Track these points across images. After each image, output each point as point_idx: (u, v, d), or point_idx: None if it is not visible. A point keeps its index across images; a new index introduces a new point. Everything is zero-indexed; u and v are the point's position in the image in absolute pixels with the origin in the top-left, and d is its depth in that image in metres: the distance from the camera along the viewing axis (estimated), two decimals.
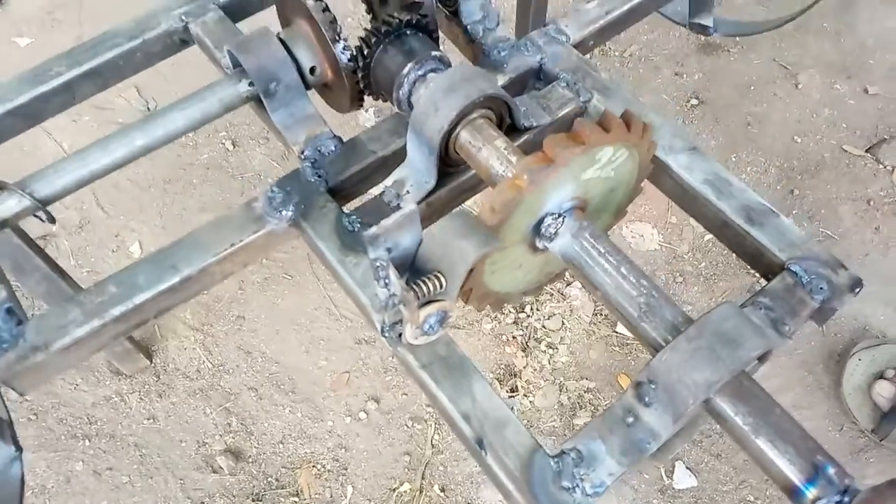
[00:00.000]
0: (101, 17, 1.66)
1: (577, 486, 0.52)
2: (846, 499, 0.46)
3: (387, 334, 0.59)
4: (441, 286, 0.53)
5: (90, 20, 1.66)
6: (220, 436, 1.19)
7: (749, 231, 0.65)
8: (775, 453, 0.48)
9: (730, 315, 0.50)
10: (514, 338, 1.26)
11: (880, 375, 1.12)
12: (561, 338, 1.25)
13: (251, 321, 1.29)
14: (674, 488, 1.11)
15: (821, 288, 0.61)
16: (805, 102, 1.49)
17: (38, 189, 0.65)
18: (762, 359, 0.53)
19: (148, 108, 1.52)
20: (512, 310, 1.28)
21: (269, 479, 1.15)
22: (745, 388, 0.49)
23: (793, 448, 0.48)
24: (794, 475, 0.47)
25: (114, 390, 1.22)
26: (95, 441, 1.18)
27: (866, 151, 1.42)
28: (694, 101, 1.49)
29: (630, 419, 0.53)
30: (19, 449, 0.76)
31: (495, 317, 1.28)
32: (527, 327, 1.26)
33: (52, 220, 0.66)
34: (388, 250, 0.51)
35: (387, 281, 0.52)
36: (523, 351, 1.24)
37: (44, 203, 0.64)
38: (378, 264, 0.51)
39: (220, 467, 1.15)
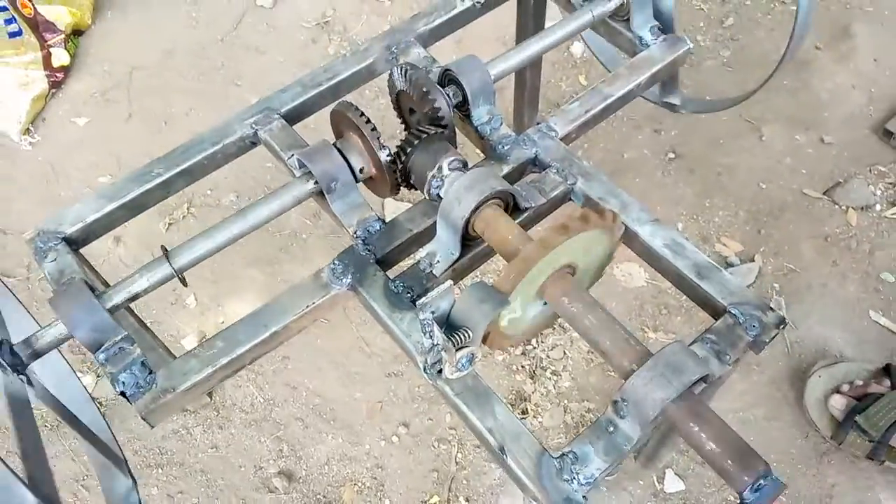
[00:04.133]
0: (148, 95, 1.89)
1: (574, 478, 0.72)
2: (765, 480, 0.66)
3: (428, 372, 0.80)
4: (469, 336, 0.73)
5: (138, 98, 1.89)
6: (274, 460, 1.38)
7: (699, 283, 0.86)
8: (714, 449, 0.67)
9: (677, 350, 0.70)
10: (522, 367, 1.46)
11: (836, 390, 1.31)
12: (563, 366, 1.45)
13: (295, 360, 1.49)
14: (665, 492, 1.30)
15: (754, 325, 0.81)
16: (769, 153, 1.70)
17: (175, 262, 0.86)
18: (706, 380, 0.73)
19: None
20: (520, 343, 1.48)
21: (318, 497, 1.34)
22: (689, 402, 0.69)
23: (727, 446, 0.67)
24: (729, 467, 0.66)
25: (180, 424, 1.42)
26: (167, 469, 1.38)
27: (824, 194, 1.63)
28: (671, 155, 1.71)
29: (611, 428, 0.73)
30: (134, 481, 0.96)
31: (506, 349, 1.48)
32: (533, 357, 1.46)
33: (185, 283, 0.87)
34: (433, 312, 0.71)
35: (431, 334, 0.73)
36: (531, 378, 1.44)
37: (179, 271, 0.85)
38: (425, 322, 0.72)
39: (276, 487, 1.35)
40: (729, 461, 0.65)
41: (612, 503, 1.29)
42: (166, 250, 0.86)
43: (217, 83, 1.91)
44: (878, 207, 1.61)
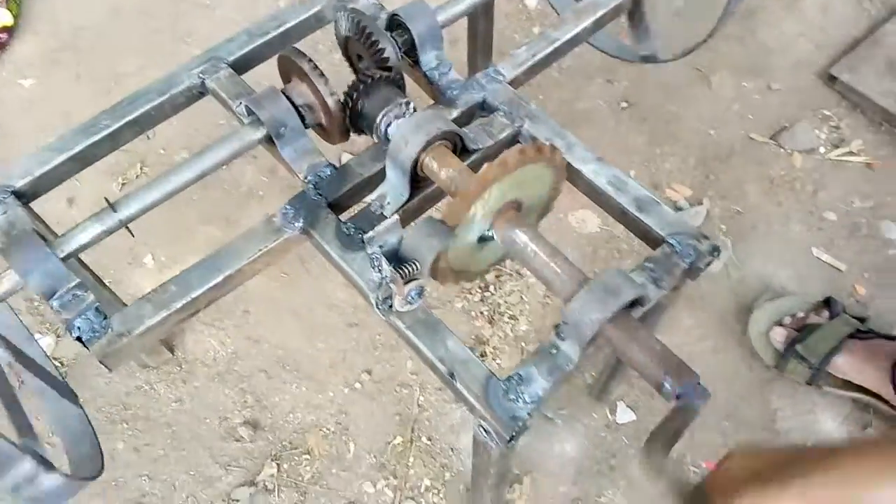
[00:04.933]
0: (96, 55, 1.85)
1: (519, 397, 0.75)
2: (692, 389, 0.70)
3: (380, 307, 0.82)
4: (418, 269, 0.76)
5: (86, 59, 1.85)
6: (239, 411, 1.40)
7: (639, 216, 0.89)
8: (646, 362, 0.71)
9: (613, 275, 0.73)
10: (481, 313, 1.49)
11: (778, 323, 1.37)
12: (520, 310, 1.49)
13: (256, 314, 1.51)
14: (617, 423, 1.36)
15: (689, 253, 0.85)
16: (717, 100, 1.74)
17: (122, 211, 0.86)
18: (641, 303, 0.77)
19: (147, 136, 1.72)
20: (478, 290, 1.51)
21: (284, 443, 1.37)
22: (624, 321, 0.72)
23: (657, 358, 0.71)
24: (659, 376, 0.71)
25: (143, 380, 1.43)
26: (132, 423, 1.39)
27: (770, 138, 1.68)
28: (624, 104, 1.74)
29: (553, 351, 0.77)
30: (82, 409, 0.97)
31: (465, 296, 1.51)
32: (491, 303, 1.50)
33: (132, 234, 0.88)
34: (380, 247, 0.74)
35: (380, 268, 0.75)
36: (489, 323, 1.48)
37: (126, 221, 0.85)
38: (374, 257, 0.74)
39: (242, 436, 1.37)
40: (661, 373, 0.69)
41: (567, 436, 1.35)
42: (109, 202, 0.86)
43: (166, 41, 1.88)
44: (821, 150, 1.66)
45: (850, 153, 1.65)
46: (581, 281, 0.75)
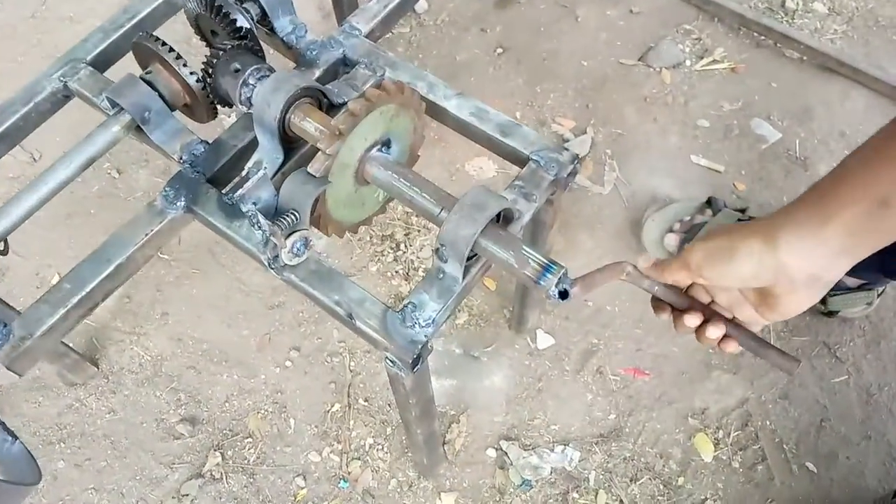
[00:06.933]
0: None
1: (415, 323, 0.80)
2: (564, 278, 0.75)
3: (273, 266, 0.86)
4: (298, 219, 0.79)
5: None
6: (174, 410, 1.41)
7: (504, 140, 0.95)
8: (515, 262, 0.77)
9: (478, 192, 0.78)
10: (396, 272, 1.54)
11: (669, 229, 1.46)
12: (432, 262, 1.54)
13: (174, 314, 1.51)
14: (538, 349, 1.43)
15: (552, 166, 0.91)
16: (585, 32, 1.82)
17: None
18: (512, 216, 0.83)
19: (34, 158, 1.69)
20: (390, 250, 1.55)
21: (225, 432, 1.39)
22: (494, 233, 0.78)
23: (527, 260, 0.77)
24: (532, 274, 0.76)
25: (73, 398, 1.42)
26: (69, 442, 1.39)
27: (638, 60, 1.77)
28: (499, 50, 1.80)
29: (440, 275, 0.82)
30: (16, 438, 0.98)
31: (378, 259, 1.55)
32: (405, 261, 1.55)
33: (5, 252, 0.88)
34: (255, 203, 0.77)
35: (258, 224, 0.78)
36: (405, 279, 1.52)
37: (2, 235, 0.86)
38: (250, 214, 0.77)
39: (182, 433, 1.39)
40: (531, 273, 0.75)
41: (495, 370, 1.41)
42: None
43: (37, 59, 1.83)
44: (687, 63, 1.76)
45: (714, 61, 1.76)
46: (451, 203, 0.80)
